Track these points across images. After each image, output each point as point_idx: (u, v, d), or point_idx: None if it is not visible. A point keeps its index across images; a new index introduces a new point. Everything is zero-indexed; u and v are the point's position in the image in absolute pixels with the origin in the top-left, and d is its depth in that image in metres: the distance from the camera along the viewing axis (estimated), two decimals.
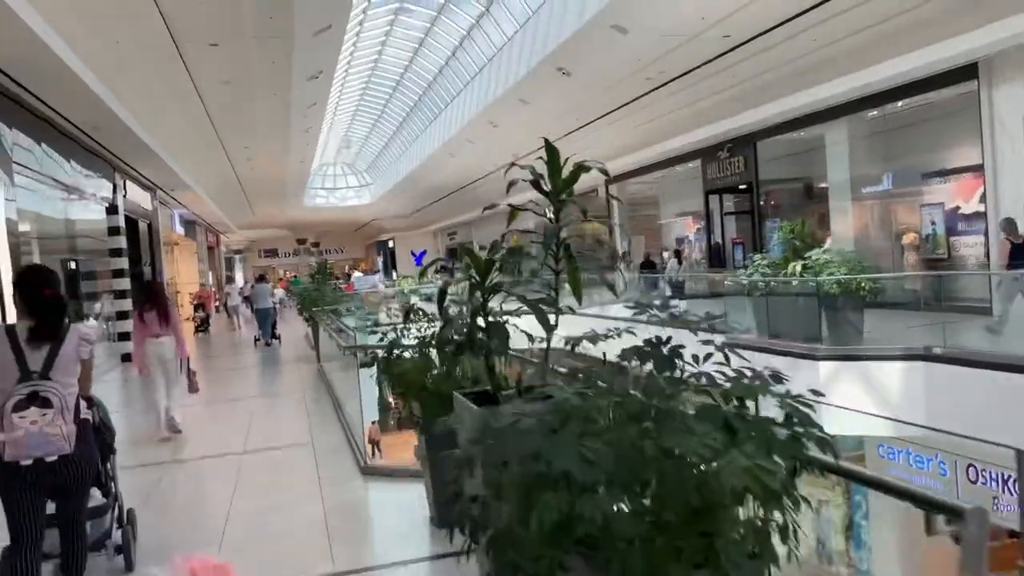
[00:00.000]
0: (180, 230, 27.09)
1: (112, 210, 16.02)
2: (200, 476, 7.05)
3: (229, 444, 7.87)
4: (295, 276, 51.56)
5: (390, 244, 55.83)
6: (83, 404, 3.75)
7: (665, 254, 23.81)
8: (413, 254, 52.17)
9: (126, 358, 15.53)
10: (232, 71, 14.22)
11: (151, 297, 8.32)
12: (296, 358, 15.20)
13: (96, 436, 3.96)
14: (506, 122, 22.78)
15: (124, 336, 15.97)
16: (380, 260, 56.86)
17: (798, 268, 10.89)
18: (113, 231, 16.03)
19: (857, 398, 9.75)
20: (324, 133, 33.68)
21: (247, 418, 9.20)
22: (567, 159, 3.65)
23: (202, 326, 22.18)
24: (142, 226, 19.45)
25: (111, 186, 15.91)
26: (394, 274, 41.82)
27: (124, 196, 16.93)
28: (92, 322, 11.39)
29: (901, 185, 15.04)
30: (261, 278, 23.78)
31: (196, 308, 22.54)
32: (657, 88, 16.45)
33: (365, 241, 61.66)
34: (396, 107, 36.94)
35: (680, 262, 21.75)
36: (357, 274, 29.49)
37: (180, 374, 8.24)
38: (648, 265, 23.40)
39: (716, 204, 20.47)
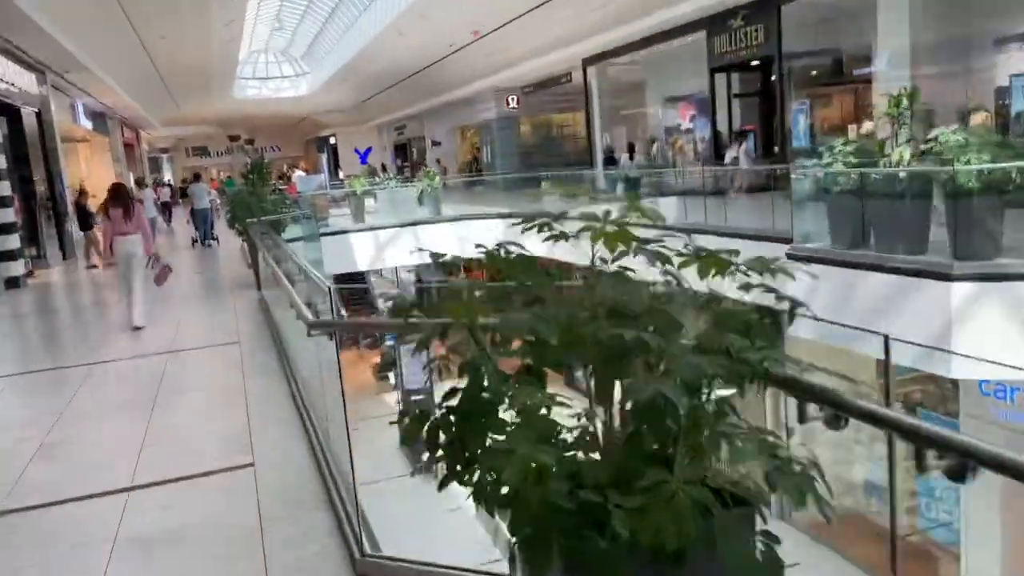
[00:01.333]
0: (86, 123, 22.70)
1: None
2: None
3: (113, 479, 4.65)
4: (228, 177, 46.95)
5: (331, 141, 51.22)
6: None
7: (659, 146, 20.71)
8: (357, 151, 47.77)
9: (10, 283, 12.07)
10: None
11: (115, 196, 8.75)
12: (232, 281, 11.86)
13: None
14: None
15: (7, 256, 12.40)
16: (324, 158, 52.29)
17: (906, 155, 8.01)
18: None
19: (1004, 333, 7.14)
20: (252, 13, 28.99)
21: (144, 414, 5.46)
22: None
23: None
24: (26, 114, 15.38)
25: None
26: (340, 173, 37.79)
27: None
28: None
29: (974, 54, 12.17)
30: (196, 177, 20.38)
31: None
32: None
33: (303, 138, 56.73)
34: None
35: (632, 158, 18.96)
36: (299, 173, 25.62)
37: (147, 268, 8.70)
38: (610, 161, 20.47)
39: (723, 85, 17.32)
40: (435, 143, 36.36)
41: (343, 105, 41.65)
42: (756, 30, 15.43)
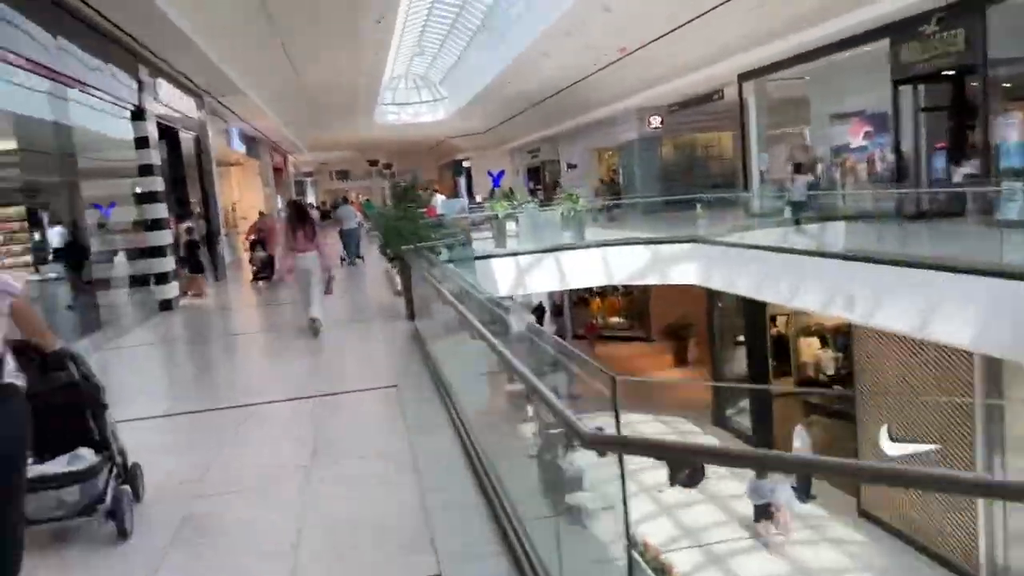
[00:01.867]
0: (240, 147, 23.20)
1: (138, 114, 12.07)
2: None
3: None
4: (367, 199, 47.89)
5: (465, 164, 51.39)
6: (11, 364, 3.03)
7: (824, 167, 18.83)
8: (490, 174, 47.79)
9: (164, 306, 11.87)
10: None
11: (301, 218, 9.50)
12: (380, 308, 11.19)
13: (76, 393, 3.64)
14: (615, 9, 17.95)
15: (161, 279, 12.26)
16: (462, 181, 52.46)
17: None
18: (141, 143, 12.13)
19: None
20: (395, 40, 29.13)
21: (293, 501, 4.29)
22: None
23: (263, 272, 15.28)
24: (186, 139, 15.51)
25: (134, 83, 11.90)
26: (477, 196, 37.51)
27: (156, 98, 12.95)
28: (20, 273, 7.71)
29: None
30: (344, 200, 20.53)
31: (254, 246, 15.99)
32: None
33: (437, 162, 57.35)
34: (473, 12, 31.97)
35: (798, 177, 16.89)
36: (439, 197, 25.28)
37: (321, 283, 9.46)
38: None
39: (908, 98, 15.35)
40: (570, 166, 35.44)
41: (478, 129, 41.57)
42: (955, 35, 13.50)
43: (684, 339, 24.29)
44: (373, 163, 52.94)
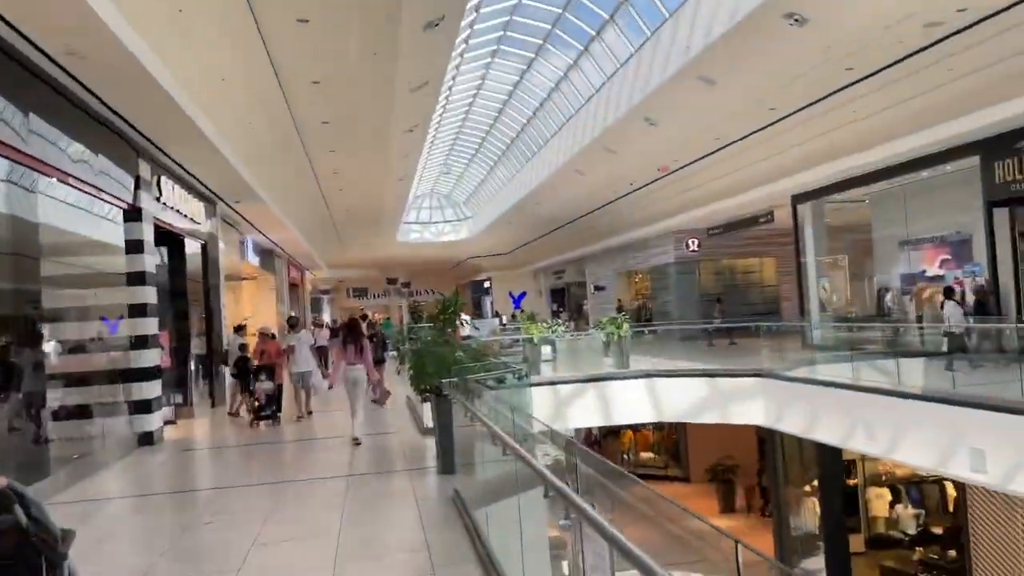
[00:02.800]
0: (254, 259, 21.53)
1: (133, 215, 10.28)
2: None
3: None
4: (387, 319, 46.13)
5: (485, 284, 49.92)
6: None
7: (894, 296, 16.76)
8: (511, 295, 46.13)
9: (144, 440, 9.68)
10: (326, 69, 11.31)
11: (353, 333, 10.35)
12: (406, 454, 8.90)
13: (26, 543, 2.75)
14: (661, 123, 16.64)
15: (141, 407, 10.13)
16: (489, 302, 50.84)
17: None
18: (133, 247, 10.27)
19: None
20: (423, 157, 28.09)
21: None
22: None
23: (265, 410, 11.86)
24: (191, 247, 13.73)
25: (130, 180, 10.17)
26: (503, 318, 35.61)
27: (158, 198, 11.21)
28: None
29: None
30: (363, 318, 18.29)
31: (257, 374, 12.29)
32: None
33: (457, 281, 56.01)
34: (501, 132, 31.27)
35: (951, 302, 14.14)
36: (466, 318, 23.34)
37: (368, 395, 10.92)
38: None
39: (1004, 221, 13.47)
40: (598, 288, 33.69)
41: (502, 249, 40.32)
42: None
43: (730, 482, 21.58)
44: (392, 281, 51.52)
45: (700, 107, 15.23)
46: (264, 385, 12.08)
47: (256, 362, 12.68)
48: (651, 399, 15.58)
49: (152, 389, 10.25)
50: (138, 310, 10.21)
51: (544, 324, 18.25)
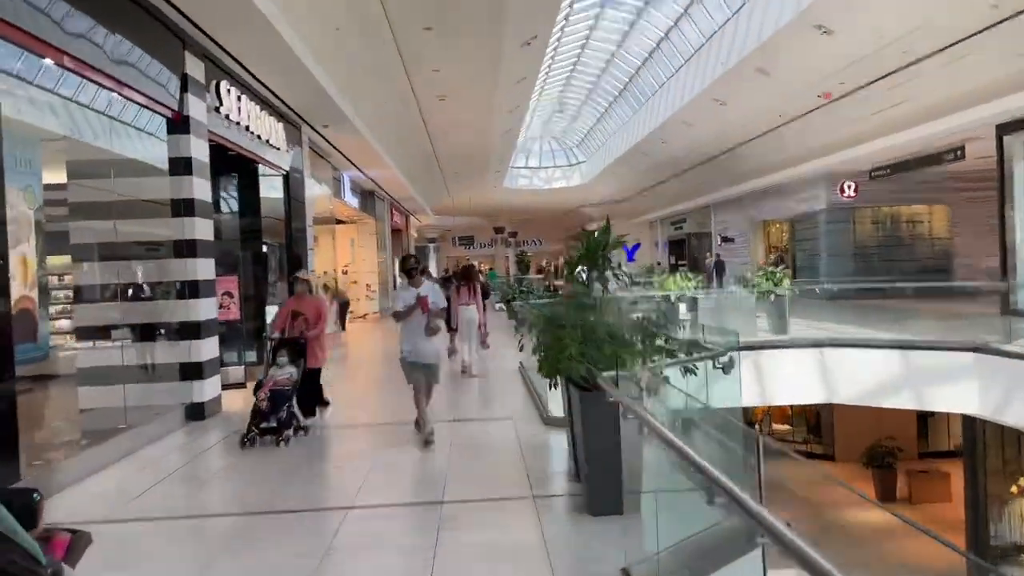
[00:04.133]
0: (351, 200, 19.22)
1: (179, 125, 7.87)
2: None
3: None
4: (491, 269, 43.89)
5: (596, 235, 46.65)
6: None
7: None
8: (624, 247, 42.81)
9: (193, 412, 7.36)
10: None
11: (467, 277, 11.35)
12: (521, 462, 5.97)
13: None
14: (838, 31, 12.96)
15: (192, 371, 7.84)
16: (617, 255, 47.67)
17: None
18: (180, 166, 7.88)
19: None
20: (534, 97, 24.97)
21: None
22: None
23: (270, 418, 6.84)
24: (267, 176, 11.33)
25: (175, 79, 7.72)
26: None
27: (217, 109, 8.78)
28: None
29: None
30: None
31: (275, 353, 7.32)
32: None
33: (566, 232, 53.03)
34: (619, 68, 27.70)
35: None
36: (619, 267, 20.28)
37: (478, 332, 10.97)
38: None
39: None
40: (726, 239, 29.96)
41: (616, 196, 36.95)
42: None
43: (891, 467, 18.09)
44: (499, 230, 49.14)
45: (889, 8, 11.59)
46: (280, 373, 7.14)
47: (275, 334, 7.45)
48: (820, 374, 12.34)
49: (204, 348, 7.92)
50: (185, 248, 7.85)
51: (685, 276, 15.18)
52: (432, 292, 6.79)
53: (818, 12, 13.39)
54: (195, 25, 7.71)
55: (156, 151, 7.80)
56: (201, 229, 8.00)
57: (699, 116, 21.16)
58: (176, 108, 7.73)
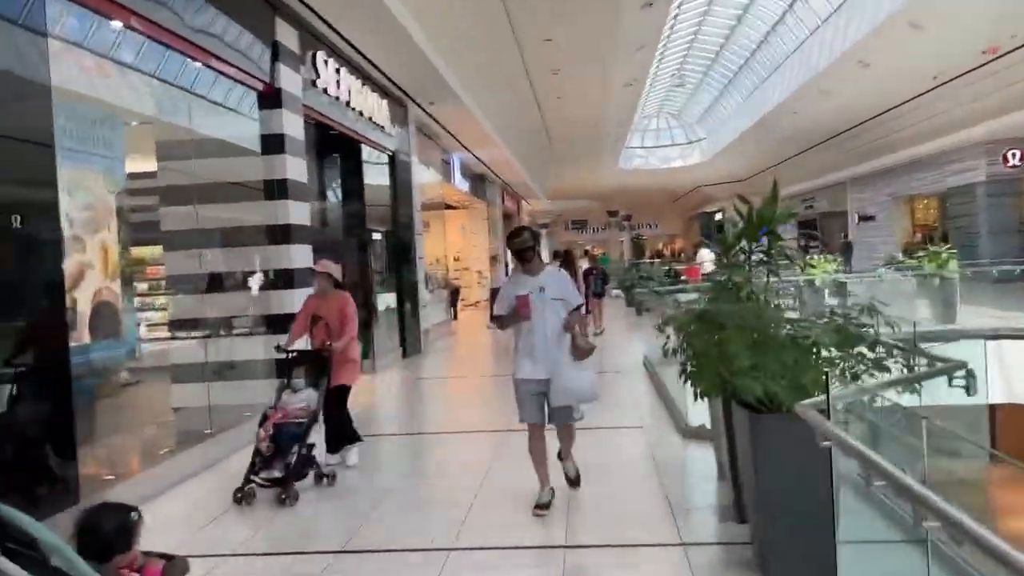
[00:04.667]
0: (461, 183, 18.46)
1: (270, 99, 7.17)
2: None
3: None
4: (603, 254, 42.44)
5: (717, 216, 44.32)
6: None
7: None
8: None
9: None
10: None
11: (567, 261, 12.02)
12: (660, 489, 4.81)
13: None
14: None
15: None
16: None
17: None
18: (272, 144, 7.19)
19: None
20: (651, 71, 23.35)
21: None
22: None
23: (274, 465, 4.89)
24: (370, 156, 10.61)
25: (266, 50, 7.02)
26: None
27: (314, 82, 8.07)
28: None
29: None
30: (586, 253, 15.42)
31: (290, 370, 5.40)
32: None
33: (683, 214, 50.76)
34: (744, 36, 25.63)
35: None
36: (705, 252, 18.81)
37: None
38: None
39: None
40: (864, 218, 27.36)
41: (739, 175, 34.66)
42: None
43: None
44: (612, 213, 47.51)
45: None
46: (294, 400, 5.21)
47: (291, 347, 5.50)
48: (999, 371, 10.47)
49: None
50: (279, 234, 7.15)
51: (826, 258, 13.49)
52: (557, 282, 4.59)
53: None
54: None
55: (248, 129, 7.13)
56: (296, 213, 7.28)
57: (838, 82, 19.03)
58: (267, 80, 7.01)
